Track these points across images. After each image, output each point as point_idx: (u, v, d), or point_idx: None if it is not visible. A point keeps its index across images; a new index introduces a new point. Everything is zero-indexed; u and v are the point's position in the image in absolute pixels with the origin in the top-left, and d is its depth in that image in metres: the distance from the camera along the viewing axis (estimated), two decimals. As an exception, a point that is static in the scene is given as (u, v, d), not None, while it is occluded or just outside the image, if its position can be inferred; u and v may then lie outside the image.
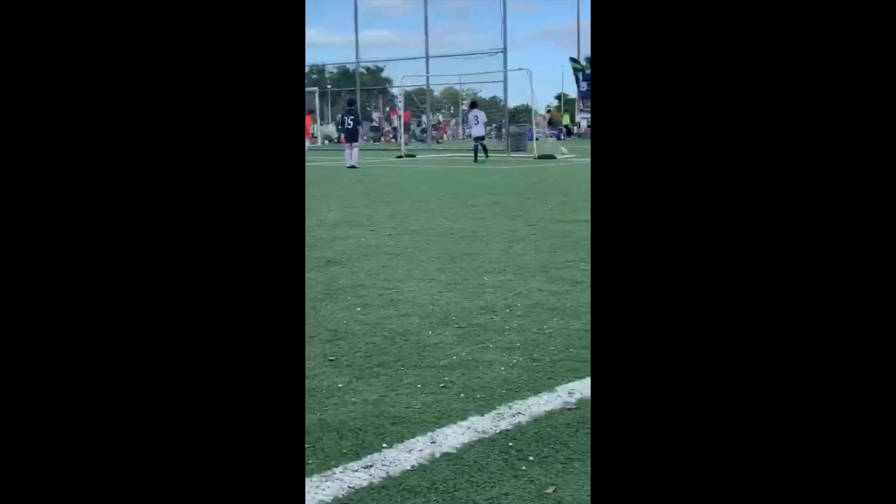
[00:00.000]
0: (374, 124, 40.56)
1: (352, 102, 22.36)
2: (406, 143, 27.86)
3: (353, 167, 18.33)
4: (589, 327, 3.58)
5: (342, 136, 22.31)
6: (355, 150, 19.26)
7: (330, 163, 21.04)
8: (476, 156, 20.56)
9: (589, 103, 41.54)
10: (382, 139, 38.56)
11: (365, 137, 31.67)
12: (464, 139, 39.16)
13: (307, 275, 4.98)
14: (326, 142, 41.17)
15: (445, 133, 41.35)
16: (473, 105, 23.61)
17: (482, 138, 21.60)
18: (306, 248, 6.11)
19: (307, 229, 7.31)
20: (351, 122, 20.01)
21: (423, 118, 34.76)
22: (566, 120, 45.51)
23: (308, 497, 1.94)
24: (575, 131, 44.26)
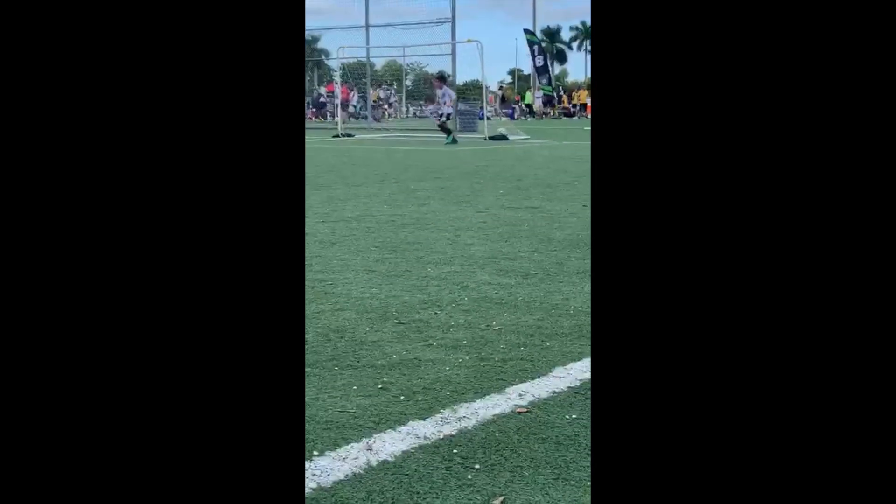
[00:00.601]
0: (323, 99, 40.09)
1: None
2: (343, 122, 27.71)
3: None
4: (541, 323, 3.62)
5: None
6: None
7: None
8: (451, 136, 20.55)
9: (545, 80, 41.87)
10: (320, 118, 38.25)
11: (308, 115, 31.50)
12: (407, 118, 39.12)
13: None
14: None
15: (386, 111, 41.20)
16: (442, 80, 23.40)
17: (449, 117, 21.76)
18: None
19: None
20: None
21: (364, 94, 34.58)
22: (528, 98, 45.81)
23: (228, 511, 1.91)
24: (525, 106, 44.62)
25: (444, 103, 21.85)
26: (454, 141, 19.95)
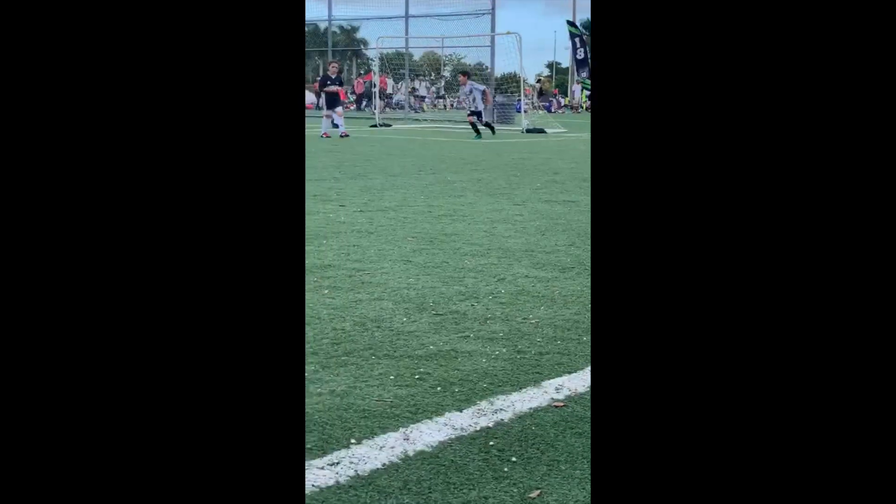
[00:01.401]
0: (360, 89, 40.22)
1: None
2: (381, 112, 27.76)
3: (345, 136, 18.17)
4: (578, 317, 3.61)
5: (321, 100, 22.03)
6: (340, 118, 19.02)
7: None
8: (479, 135, 19.90)
9: (585, 73, 41.61)
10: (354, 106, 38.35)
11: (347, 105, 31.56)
12: (448, 110, 39.08)
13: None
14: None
15: (424, 102, 41.19)
16: (467, 75, 22.73)
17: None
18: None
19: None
20: (335, 86, 19.74)
21: (402, 84, 34.65)
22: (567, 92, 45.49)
23: (267, 496, 1.94)
24: (565, 103, 44.32)
25: (474, 99, 20.77)
26: (480, 136, 19.48)
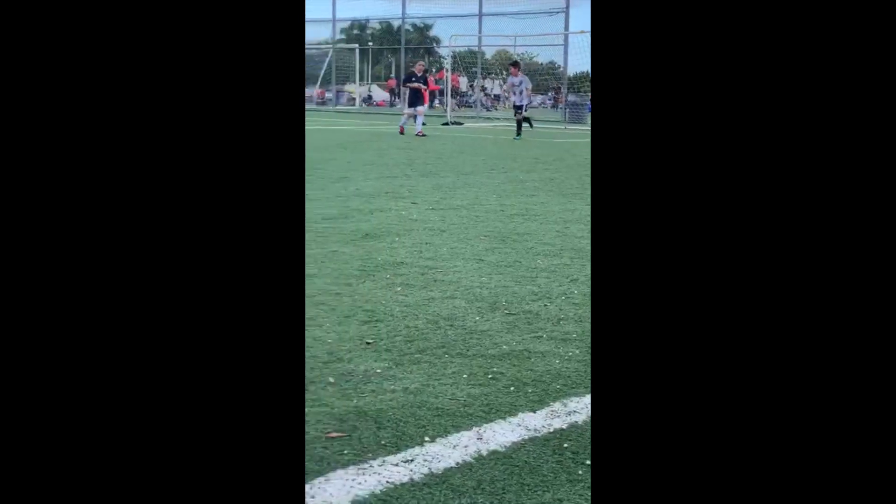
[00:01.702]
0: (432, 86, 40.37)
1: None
2: (453, 110, 27.79)
3: (421, 135, 18.11)
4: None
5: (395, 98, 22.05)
6: (419, 118, 18.94)
7: (366, 127, 21.09)
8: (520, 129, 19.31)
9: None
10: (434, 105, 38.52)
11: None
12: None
13: (343, 248, 5.01)
14: (363, 104, 41.31)
15: (495, 100, 41.12)
16: (517, 66, 21.57)
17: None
18: (341, 220, 6.15)
19: (343, 199, 7.36)
20: (419, 83, 19.72)
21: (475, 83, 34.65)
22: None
23: (344, 490, 1.96)
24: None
25: (520, 92, 19.99)
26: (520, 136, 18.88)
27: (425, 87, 20.65)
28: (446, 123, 23.86)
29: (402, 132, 18.35)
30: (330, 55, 39.94)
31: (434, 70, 42.27)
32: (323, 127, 21.96)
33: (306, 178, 9.82)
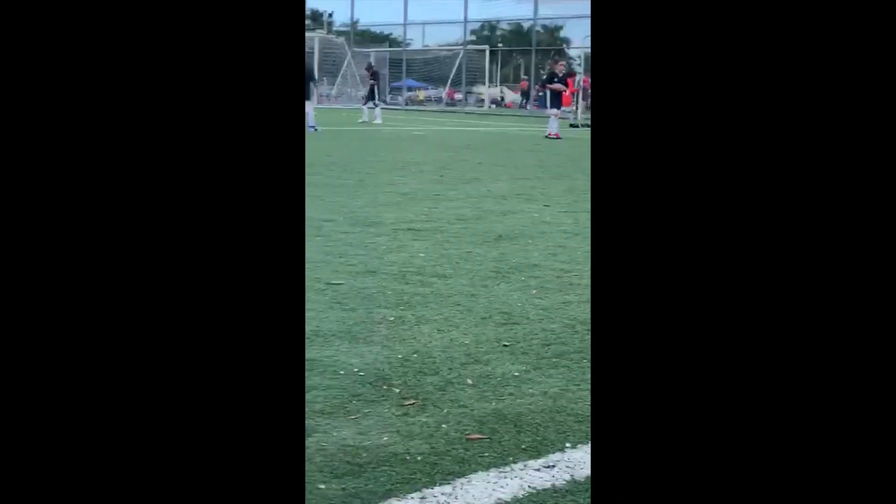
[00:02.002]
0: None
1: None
2: (582, 112, 27.57)
3: (555, 137, 17.96)
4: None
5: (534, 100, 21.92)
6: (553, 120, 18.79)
7: (496, 129, 21.13)
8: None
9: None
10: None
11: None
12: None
13: (477, 249, 5.04)
14: (493, 105, 41.47)
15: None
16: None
17: None
18: (474, 220, 6.19)
19: (475, 199, 7.41)
20: (560, 84, 19.53)
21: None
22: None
23: (486, 493, 1.96)
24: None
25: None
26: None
27: (566, 88, 20.48)
28: (574, 125, 23.66)
29: (558, 137, 17.98)
30: (460, 56, 40.11)
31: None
32: (452, 128, 22.18)
33: (437, 177, 9.86)
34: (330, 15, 51.65)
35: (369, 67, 25.87)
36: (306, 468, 2.10)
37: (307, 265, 4.40)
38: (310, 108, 16.90)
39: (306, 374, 2.82)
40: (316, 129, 17.46)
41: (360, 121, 23.49)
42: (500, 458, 2.16)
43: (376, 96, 24.48)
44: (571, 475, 2.08)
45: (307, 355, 3.01)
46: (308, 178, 9.00)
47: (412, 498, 1.99)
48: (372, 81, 24.38)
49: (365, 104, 25.01)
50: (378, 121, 23.09)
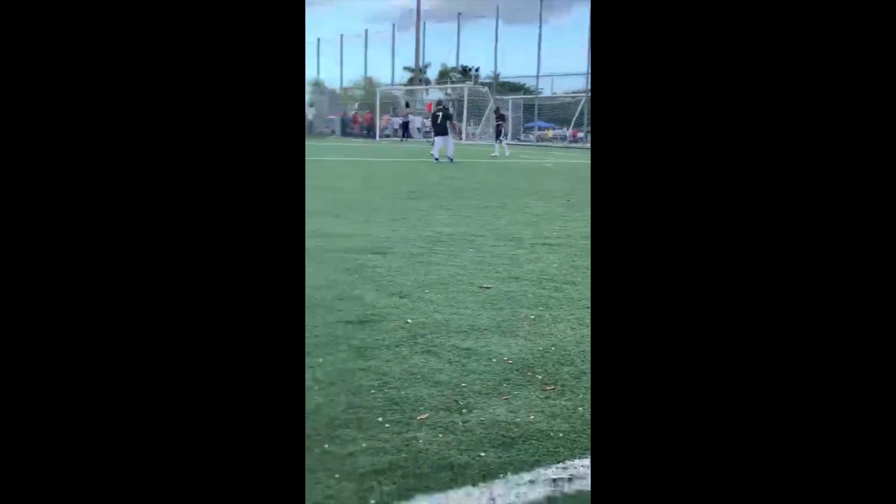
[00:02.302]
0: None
1: None
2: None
3: None
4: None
5: None
6: None
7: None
8: None
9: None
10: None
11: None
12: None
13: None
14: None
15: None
16: None
17: None
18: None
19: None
20: None
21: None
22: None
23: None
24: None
25: None
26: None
27: None
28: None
29: None
30: (582, 102, 42.84)
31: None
32: (576, 161, 22.75)
33: (565, 202, 10.07)
34: (476, 70, 61.37)
35: (497, 111, 28.76)
36: (469, 439, 2.39)
37: (463, 272, 4.87)
38: (450, 142, 19.27)
39: (465, 361, 3.15)
40: (451, 161, 18.91)
41: (492, 155, 25.02)
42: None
43: (503, 134, 26.63)
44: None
45: (465, 345, 3.43)
46: (460, 202, 9.59)
47: (556, 468, 2.20)
48: (499, 122, 26.63)
49: (495, 141, 27.06)
50: (506, 154, 25.07)
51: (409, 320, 3.71)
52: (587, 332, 3.48)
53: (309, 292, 3.96)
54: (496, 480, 2.18)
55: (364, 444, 2.38)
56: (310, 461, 2.26)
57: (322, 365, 3.03)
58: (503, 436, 2.42)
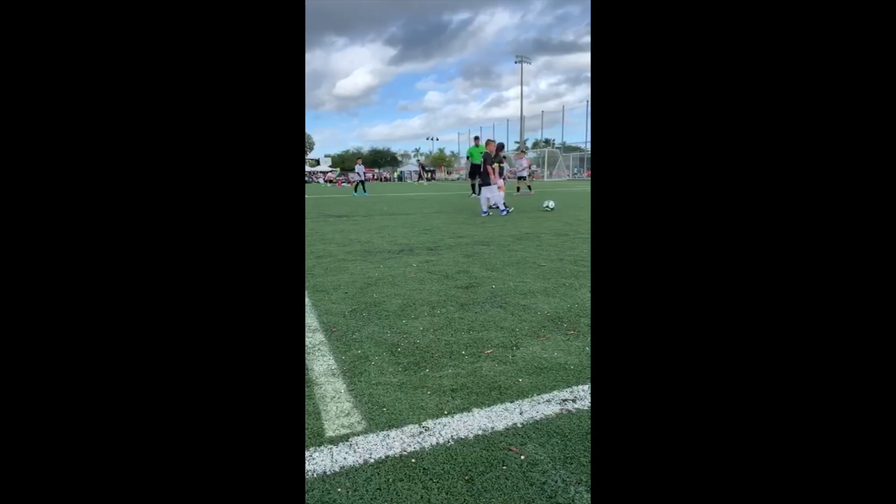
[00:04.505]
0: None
1: None
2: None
3: None
4: None
5: None
6: None
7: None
8: None
9: None
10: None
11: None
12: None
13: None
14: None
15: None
16: None
17: None
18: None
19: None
20: None
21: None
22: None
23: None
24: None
25: None
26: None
27: None
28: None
29: None
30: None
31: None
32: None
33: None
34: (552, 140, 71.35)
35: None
36: (513, 368, 2.95)
37: (530, 255, 7.12)
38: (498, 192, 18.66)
39: (522, 313, 4.18)
40: (508, 211, 17.32)
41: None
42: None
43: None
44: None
45: (523, 303, 4.49)
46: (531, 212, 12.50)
47: (566, 391, 2.71)
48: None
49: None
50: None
51: (494, 286, 5.13)
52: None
53: (441, 269, 5.74)
54: (525, 399, 2.59)
55: (449, 370, 2.96)
56: (414, 380, 2.78)
57: (437, 314, 4.16)
58: (535, 367, 2.98)
